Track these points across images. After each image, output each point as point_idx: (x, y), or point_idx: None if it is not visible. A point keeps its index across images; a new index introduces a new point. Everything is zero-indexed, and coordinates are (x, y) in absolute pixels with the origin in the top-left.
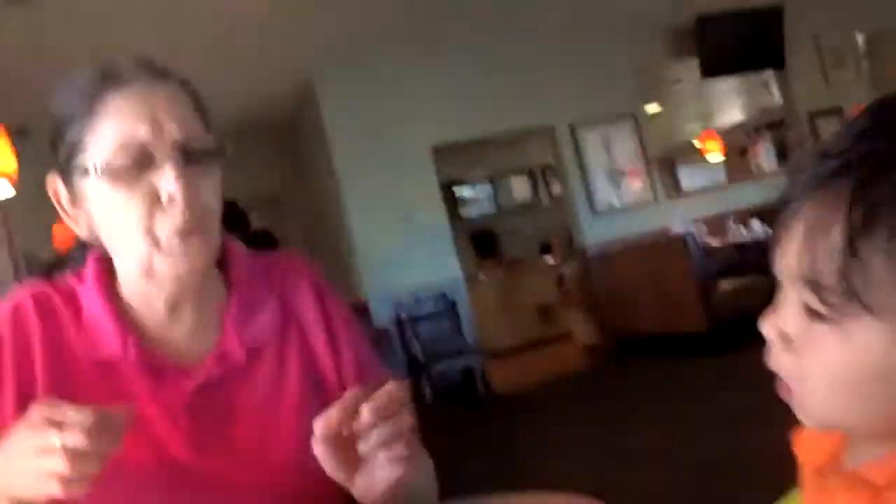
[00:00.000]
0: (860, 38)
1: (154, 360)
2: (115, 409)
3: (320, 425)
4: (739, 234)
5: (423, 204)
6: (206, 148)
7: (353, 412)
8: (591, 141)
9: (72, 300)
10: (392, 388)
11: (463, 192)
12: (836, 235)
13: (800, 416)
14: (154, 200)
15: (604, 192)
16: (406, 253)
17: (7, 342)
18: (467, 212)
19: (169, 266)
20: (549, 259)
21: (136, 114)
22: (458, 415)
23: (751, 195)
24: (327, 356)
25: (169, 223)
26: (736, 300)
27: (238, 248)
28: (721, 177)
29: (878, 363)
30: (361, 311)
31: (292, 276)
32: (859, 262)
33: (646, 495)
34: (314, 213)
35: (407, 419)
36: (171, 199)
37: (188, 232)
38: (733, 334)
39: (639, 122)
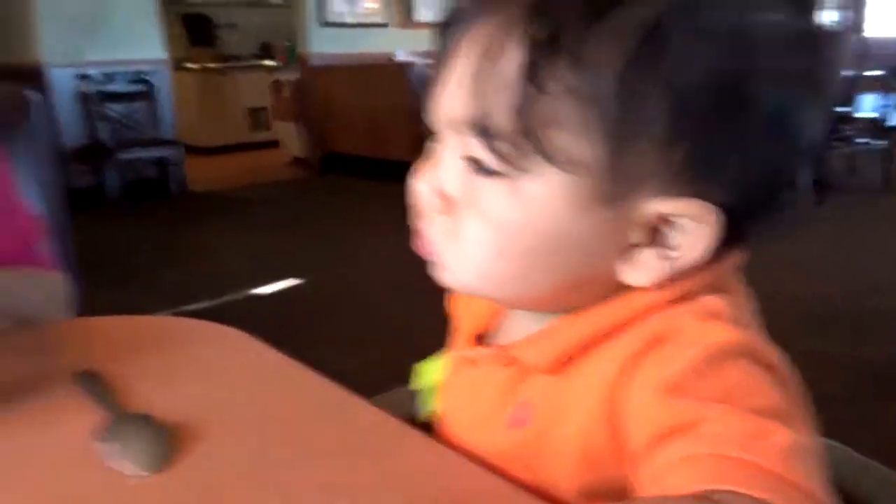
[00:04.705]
0: None
1: None
2: None
3: None
4: None
5: None
6: None
7: None
8: None
9: None
10: None
11: None
12: (513, 63)
13: (444, 278)
14: None
15: (337, 4)
16: (99, 16)
17: None
18: None
19: None
20: (269, 62)
21: None
22: (146, 211)
23: None
24: None
25: None
26: None
27: None
28: None
29: (549, 228)
30: (36, 78)
31: None
32: (539, 97)
33: (309, 301)
34: None
35: None
36: None
37: None
38: None
39: None
